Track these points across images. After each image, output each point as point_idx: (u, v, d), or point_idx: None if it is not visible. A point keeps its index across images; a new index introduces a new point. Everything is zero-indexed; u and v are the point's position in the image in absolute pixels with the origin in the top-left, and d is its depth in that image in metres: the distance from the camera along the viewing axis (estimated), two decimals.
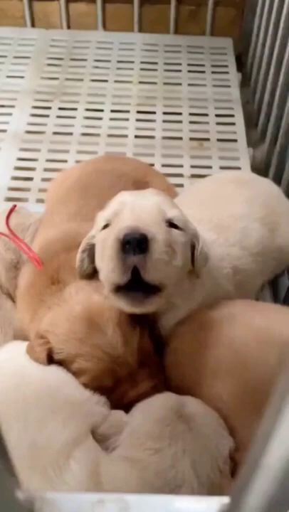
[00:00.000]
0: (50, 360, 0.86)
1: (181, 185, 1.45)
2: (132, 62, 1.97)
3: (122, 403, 0.85)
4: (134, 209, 0.80)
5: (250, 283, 1.04)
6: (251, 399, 0.79)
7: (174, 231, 0.81)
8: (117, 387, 0.85)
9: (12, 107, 1.76)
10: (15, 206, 1.19)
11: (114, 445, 0.78)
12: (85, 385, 0.85)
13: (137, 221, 0.76)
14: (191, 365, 0.89)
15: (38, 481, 0.74)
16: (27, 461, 0.75)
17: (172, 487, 0.72)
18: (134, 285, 0.77)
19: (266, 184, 1.19)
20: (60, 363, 0.86)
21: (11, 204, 1.22)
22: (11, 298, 1.05)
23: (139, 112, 1.76)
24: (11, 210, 1.17)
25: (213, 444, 0.76)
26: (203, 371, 0.87)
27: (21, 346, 0.91)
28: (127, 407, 0.83)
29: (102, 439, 0.79)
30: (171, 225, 0.81)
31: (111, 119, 1.73)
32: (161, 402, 0.80)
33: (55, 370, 0.86)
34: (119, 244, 0.74)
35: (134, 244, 0.73)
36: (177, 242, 0.80)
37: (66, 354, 0.85)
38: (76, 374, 0.85)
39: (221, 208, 1.04)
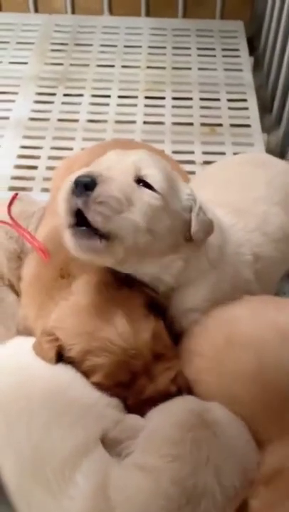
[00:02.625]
0: (59, 358, 0.80)
1: (193, 173, 1.38)
2: (140, 46, 1.90)
3: (141, 399, 0.79)
4: (109, 160, 0.80)
5: (271, 273, 0.97)
6: (277, 403, 0.73)
7: (144, 190, 0.78)
8: (134, 382, 0.79)
9: (15, 93, 1.69)
10: (16, 194, 1.13)
11: (128, 451, 0.72)
12: (99, 385, 0.79)
13: (104, 170, 0.76)
14: (208, 367, 0.82)
15: (40, 494, 0.68)
16: (30, 470, 0.70)
17: (191, 497, 0.66)
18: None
19: (283, 165, 1.12)
20: (69, 362, 0.80)
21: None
22: (14, 290, 0.99)
23: (147, 97, 1.69)
24: (13, 198, 1.10)
25: (241, 451, 0.70)
26: (221, 374, 0.81)
27: (27, 342, 0.85)
28: (147, 404, 0.78)
29: (113, 443, 0.73)
30: (144, 183, 0.78)
31: (118, 104, 1.66)
32: (182, 406, 0.75)
33: (63, 369, 0.80)
34: (69, 186, 0.75)
35: (81, 185, 0.73)
36: (141, 199, 0.77)
37: (76, 351, 0.80)
38: (88, 373, 0.80)
39: (239, 190, 0.98)
